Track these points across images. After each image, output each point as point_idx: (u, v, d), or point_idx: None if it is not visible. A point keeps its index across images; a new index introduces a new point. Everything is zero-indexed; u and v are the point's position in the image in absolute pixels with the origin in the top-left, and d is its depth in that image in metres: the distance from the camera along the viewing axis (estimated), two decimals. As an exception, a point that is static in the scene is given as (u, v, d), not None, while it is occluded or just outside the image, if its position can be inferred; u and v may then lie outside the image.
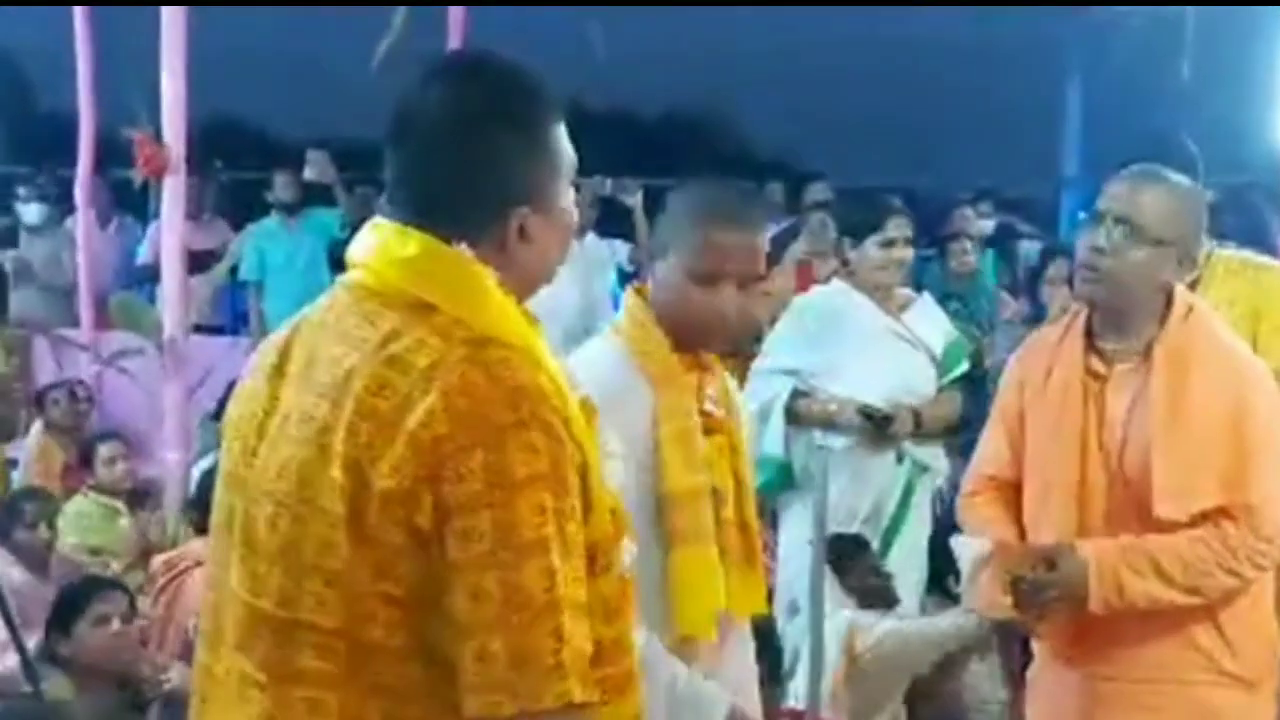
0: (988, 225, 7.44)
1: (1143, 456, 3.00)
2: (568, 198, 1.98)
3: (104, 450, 5.31)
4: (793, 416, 4.58)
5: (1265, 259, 3.85)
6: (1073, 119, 9.24)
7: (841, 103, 9.34)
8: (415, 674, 1.81)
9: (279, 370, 1.94)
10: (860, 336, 4.61)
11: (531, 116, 1.95)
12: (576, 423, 1.86)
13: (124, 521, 5.34)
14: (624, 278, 7.21)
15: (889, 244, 4.63)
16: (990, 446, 3.31)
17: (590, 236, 7.26)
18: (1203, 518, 2.96)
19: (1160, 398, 3.00)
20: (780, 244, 6.61)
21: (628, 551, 1.99)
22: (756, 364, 4.70)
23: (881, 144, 8.87)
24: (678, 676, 2.54)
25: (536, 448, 1.78)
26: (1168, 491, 2.96)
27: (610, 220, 7.64)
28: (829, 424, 4.53)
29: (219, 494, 1.98)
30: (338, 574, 1.80)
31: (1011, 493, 3.24)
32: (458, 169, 1.91)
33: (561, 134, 1.97)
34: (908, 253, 4.71)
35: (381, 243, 1.93)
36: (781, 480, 4.62)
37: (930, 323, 4.77)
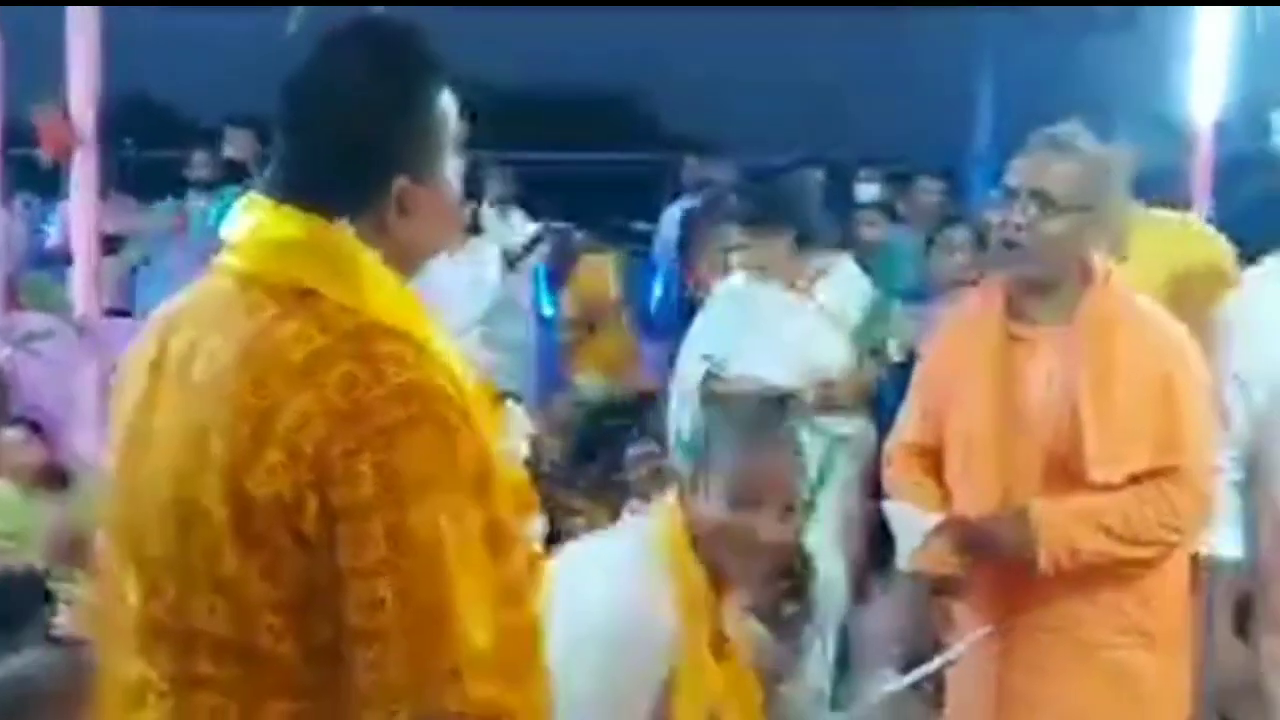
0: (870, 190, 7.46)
1: (1066, 420, 3.03)
2: (450, 169, 1.89)
3: (10, 434, 5.19)
4: (704, 399, 4.60)
5: (1183, 215, 3.90)
6: (985, 93, 9.31)
7: (751, 74, 9.36)
8: (309, 678, 1.76)
9: (157, 365, 1.86)
10: (763, 319, 4.65)
11: (409, 82, 1.86)
12: (473, 406, 1.79)
13: (39, 506, 5.23)
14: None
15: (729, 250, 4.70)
16: (911, 414, 3.33)
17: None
18: (1135, 480, 3.01)
19: (1087, 365, 3.04)
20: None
21: (533, 527, 1.95)
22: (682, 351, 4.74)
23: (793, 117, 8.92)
24: None
25: (429, 446, 1.72)
26: (1101, 457, 3.01)
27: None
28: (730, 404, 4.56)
29: (109, 497, 1.91)
30: (227, 581, 1.75)
31: (933, 459, 3.26)
32: (332, 139, 1.83)
33: (444, 102, 1.88)
34: (751, 256, 4.73)
35: (258, 223, 1.84)
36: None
37: (843, 291, 4.79)
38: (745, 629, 2.69)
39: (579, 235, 7.43)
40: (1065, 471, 3.05)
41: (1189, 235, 3.87)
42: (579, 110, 10.26)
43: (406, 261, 1.87)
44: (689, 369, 4.74)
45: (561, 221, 7.66)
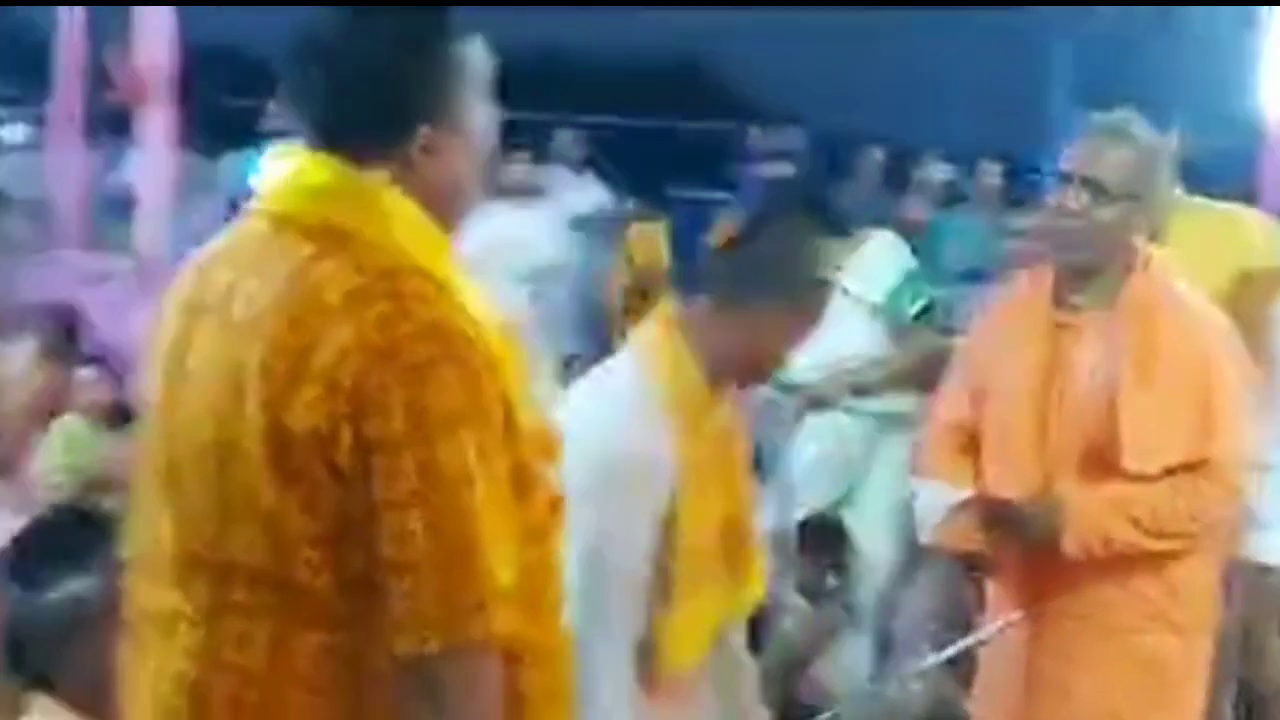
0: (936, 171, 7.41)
1: (1104, 409, 3.04)
2: (477, 117, 1.94)
3: (82, 373, 5.30)
4: None
5: (1231, 206, 3.88)
6: (1058, 79, 9.22)
7: (825, 48, 9.33)
8: (342, 610, 1.82)
9: (195, 304, 1.91)
10: None
11: (434, 29, 1.92)
12: (496, 349, 1.85)
13: (107, 442, 5.32)
14: None
15: None
16: (951, 395, 3.34)
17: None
18: (1169, 472, 3.02)
19: (1128, 353, 3.04)
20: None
21: (555, 470, 1.99)
22: None
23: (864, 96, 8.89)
24: None
25: (455, 383, 1.77)
26: (1136, 447, 3.01)
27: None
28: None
29: (147, 432, 1.96)
30: (265, 515, 1.80)
31: (969, 439, 3.27)
32: (359, 86, 1.88)
33: (471, 50, 1.94)
34: None
35: (294, 170, 1.90)
36: None
37: (871, 271, 4.75)
38: (737, 417, 2.66)
39: (631, 203, 7.45)
40: (1101, 460, 3.05)
41: (1251, 229, 3.84)
42: (651, 76, 10.27)
43: (436, 206, 1.91)
44: None
45: (628, 186, 7.68)
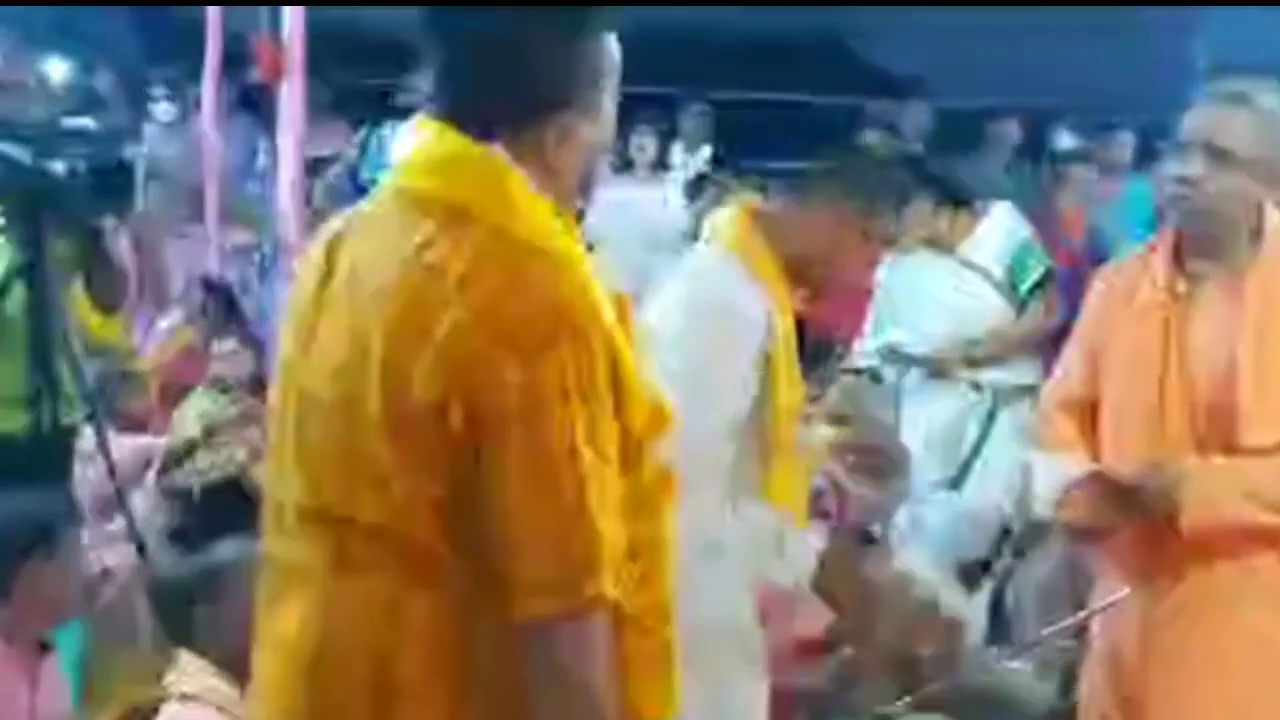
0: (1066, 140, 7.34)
1: (1225, 380, 2.99)
2: (610, 105, 2.00)
3: (220, 346, 5.45)
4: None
5: None
6: (1199, 45, 9.01)
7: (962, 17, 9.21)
8: (458, 570, 1.88)
9: (327, 271, 1.99)
10: (909, 283, 4.71)
11: (585, 19, 1.96)
12: (609, 324, 1.90)
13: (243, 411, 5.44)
14: None
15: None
16: (1068, 366, 3.31)
17: None
18: None
19: (1250, 321, 2.99)
20: None
21: (667, 443, 2.04)
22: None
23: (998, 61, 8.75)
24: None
25: (568, 360, 1.83)
26: (1256, 418, 2.95)
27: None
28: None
29: (277, 384, 2.05)
30: (385, 476, 1.87)
31: (1087, 414, 3.24)
32: (499, 67, 1.92)
33: (608, 40, 1.99)
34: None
35: (421, 143, 1.96)
36: None
37: (992, 241, 4.78)
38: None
39: (730, 177, 7.47)
40: (1220, 432, 3.00)
41: None
42: (789, 49, 10.22)
43: (560, 188, 1.97)
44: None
45: (751, 161, 7.69)
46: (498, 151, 1.92)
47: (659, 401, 2.01)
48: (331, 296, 1.96)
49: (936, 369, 4.70)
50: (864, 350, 4.91)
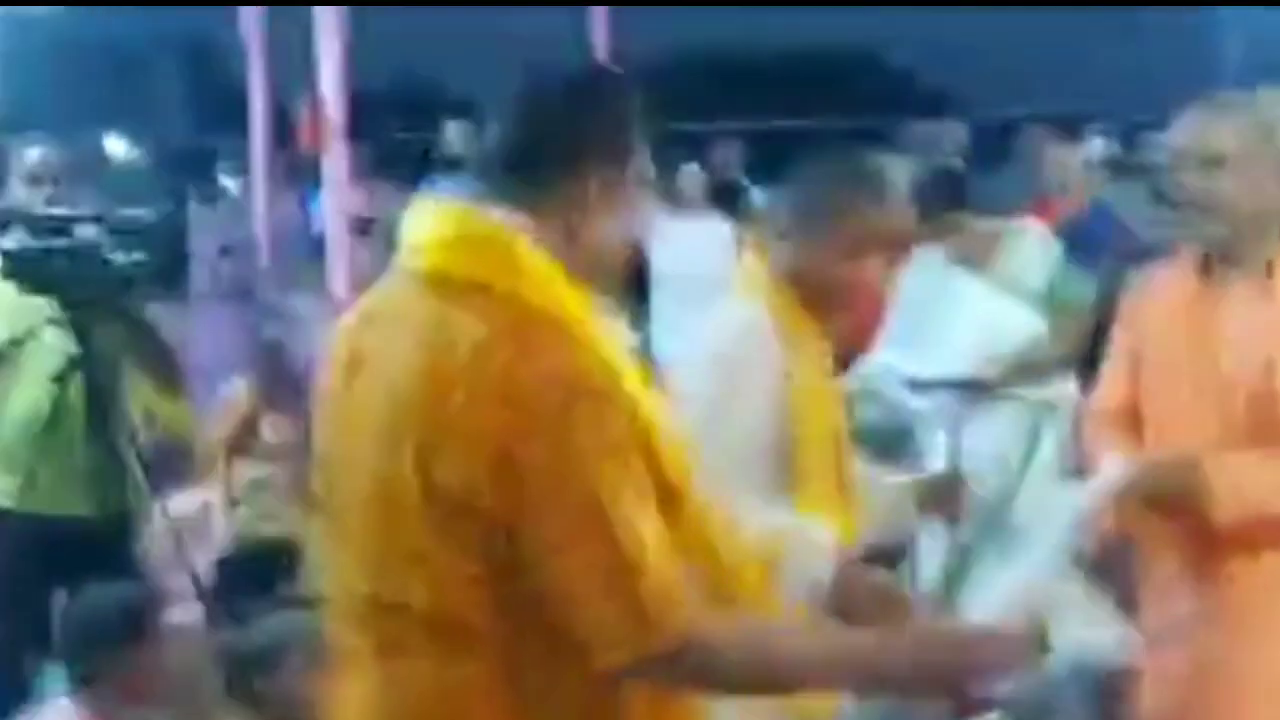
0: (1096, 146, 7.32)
1: (1263, 376, 3.00)
2: (636, 183, 2.06)
3: (268, 418, 5.53)
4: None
5: None
6: (1231, 49, 8.97)
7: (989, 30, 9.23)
8: (503, 641, 1.93)
9: (353, 360, 2.03)
10: (939, 304, 4.66)
11: (612, 95, 2.05)
12: (629, 385, 1.95)
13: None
14: None
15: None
16: (1109, 381, 3.32)
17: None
18: None
19: None
20: None
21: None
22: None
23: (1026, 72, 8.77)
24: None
25: (590, 420, 1.87)
26: None
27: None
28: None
29: (321, 475, 2.10)
30: (425, 559, 1.91)
31: (1131, 423, 3.24)
32: (533, 139, 2.00)
33: (634, 109, 2.06)
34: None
35: (427, 223, 2.02)
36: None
37: (1027, 258, 4.78)
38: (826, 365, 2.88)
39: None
40: (1262, 428, 3.01)
41: None
42: (824, 72, 10.27)
43: (585, 259, 2.01)
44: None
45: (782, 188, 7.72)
46: (513, 221, 1.97)
47: (684, 455, 2.06)
48: (357, 387, 2.01)
49: (977, 389, 4.69)
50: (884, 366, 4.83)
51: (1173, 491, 3.04)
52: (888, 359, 4.68)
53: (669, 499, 1.97)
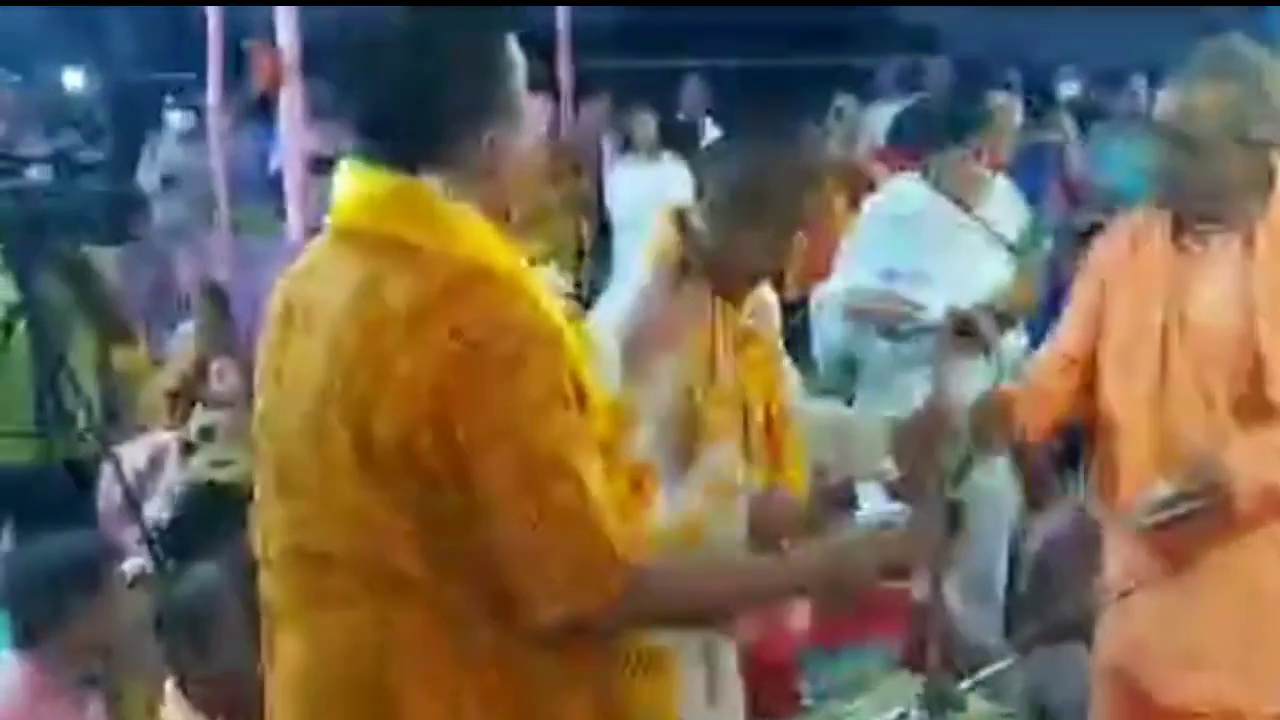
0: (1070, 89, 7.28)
1: (1236, 336, 2.96)
2: (528, 109, 2.02)
3: (215, 365, 5.46)
4: (865, 312, 4.58)
5: None
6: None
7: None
8: (440, 592, 1.92)
9: (287, 317, 2.01)
10: (939, 239, 4.57)
11: (482, 32, 1.98)
12: (566, 336, 1.93)
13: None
14: None
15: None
16: (1067, 328, 3.27)
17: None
18: None
19: (1261, 280, 2.95)
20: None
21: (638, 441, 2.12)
22: (840, 266, 4.70)
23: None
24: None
25: (537, 373, 1.86)
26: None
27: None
28: (902, 324, 4.53)
29: (256, 431, 2.09)
30: (360, 511, 1.90)
31: (1077, 375, 3.20)
32: (419, 96, 1.93)
33: (513, 45, 2.00)
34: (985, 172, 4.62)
35: (354, 185, 1.98)
36: (838, 376, 4.67)
37: (1006, 209, 4.71)
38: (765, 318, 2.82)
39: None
40: (1228, 390, 2.97)
41: None
42: (795, 12, 10.16)
43: (498, 206, 2.00)
44: (856, 275, 4.68)
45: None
46: (427, 181, 1.94)
47: (615, 403, 2.07)
48: (293, 343, 1.99)
49: (965, 328, 4.61)
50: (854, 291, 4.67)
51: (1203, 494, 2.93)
52: (869, 281, 4.59)
53: (605, 454, 1.96)
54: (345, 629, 1.95)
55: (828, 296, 4.64)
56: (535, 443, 1.85)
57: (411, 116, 1.94)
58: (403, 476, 1.87)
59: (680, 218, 2.72)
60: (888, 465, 2.77)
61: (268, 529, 2.05)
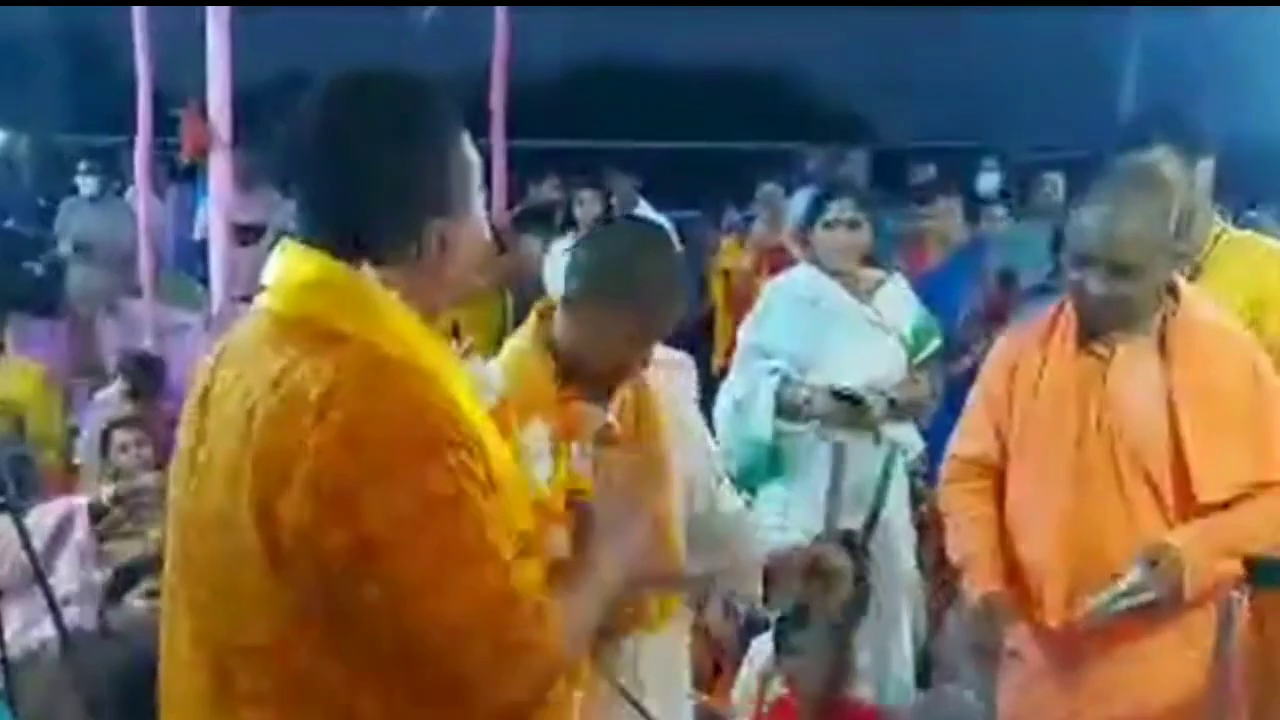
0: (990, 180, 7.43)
1: (1153, 439, 3.01)
2: (479, 204, 2.01)
3: (119, 436, 5.27)
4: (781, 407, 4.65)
5: (1273, 243, 3.78)
6: (1128, 76, 9.10)
7: (898, 59, 9.30)
8: (359, 705, 1.86)
9: (204, 401, 1.97)
10: (834, 324, 4.68)
11: (434, 126, 1.96)
12: (482, 431, 1.91)
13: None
14: None
15: (829, 226, 4.67)
16: (973, 431, 3.29)
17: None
18: (1240, 496, 2.99)
19: (1182, 384, 3.01)
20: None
21: (556, 538, 2.09)
22: (740, 349, 4.75)
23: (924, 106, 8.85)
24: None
25: (451, 465, 1.82)
26: (1209, 475, 2.98)
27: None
28: (803, 410, 4.58)
29: (169, 518, 2.03)
30: (265, 603, 1.85)
31: (993, 479, 3.24)
32: (369, 188, 1.91)
33: (466, 140, 1.99)
34: (856, 237, 4.71)
35: (286, 266, 1.95)
36: (766, 466, 4.69)
37: (899, 305, 4.81)
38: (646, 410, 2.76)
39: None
40: (1147, 490, 3.02)
41: (1270, 260, 3.71)
42: (721, 92, 10.28)
43: (447, 295, 1.99)
44: (751, 361, 4.73)
45: (682, 209, 7.72)
46: (365, 270, 1.91)
47: (545, 500, 2.03)
48: (209, 426, 1.94)
49: (856, 418, 4.65)
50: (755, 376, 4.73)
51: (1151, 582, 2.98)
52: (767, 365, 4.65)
53: (525, 548, 1.93)
54: None
55: (757, 385, 4.65)
56: (454, 530, 1.82)
57: (359, 204, 1.92)
58: (309, 568, 1.81)
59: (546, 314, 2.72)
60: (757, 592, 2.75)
61: (173, 619, 1.99)
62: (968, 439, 3.32)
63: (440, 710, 1.87)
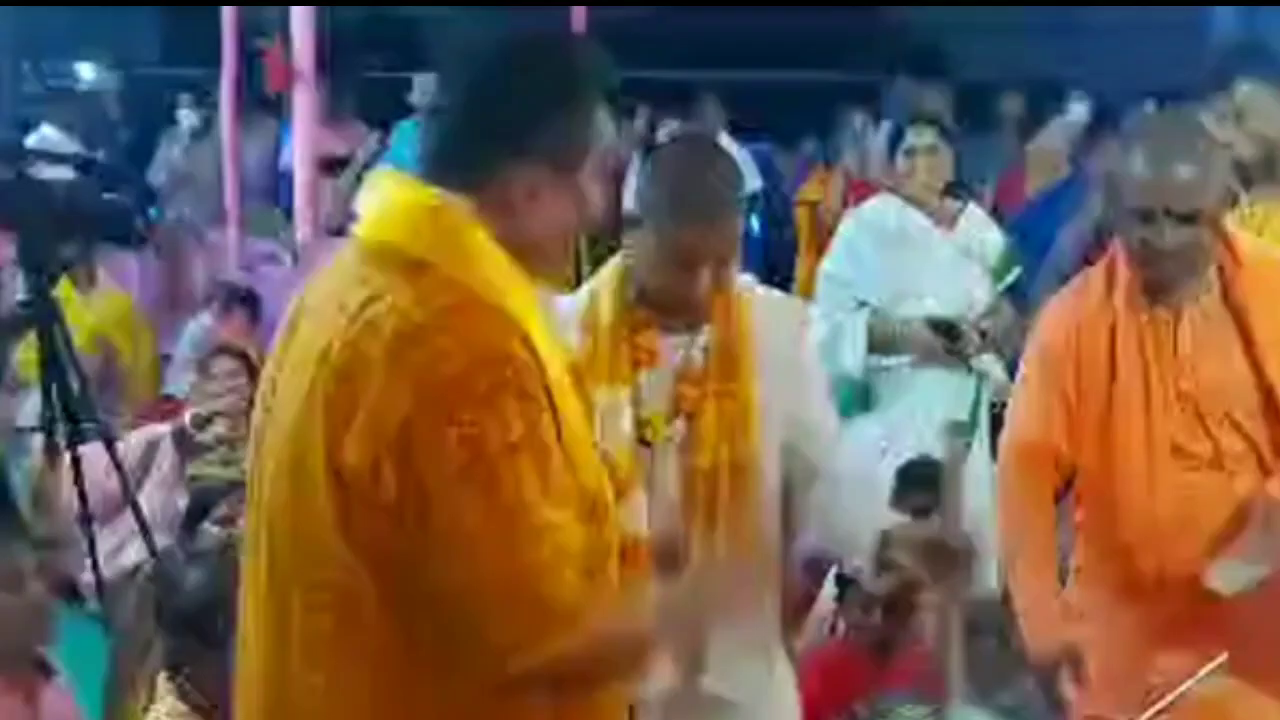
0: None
1: (1242, 394, 2.95)
2: (591, 184, 1.94)
3: (215, 365, 5.31)
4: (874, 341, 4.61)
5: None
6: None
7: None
8: (400, 641, 1.84)
9: (293, 326, 1.96)
10: (919, 253, 4.63)
11: (571, 80, 1.93)
12: (558, 381, 1.87)
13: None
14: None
15: (909, 154, 4.63)
16: (1038, 410, 3.11)
17: None
18: None
19: (1261, 330, 2.94)
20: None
21: (628, 509, 2.03)
22: (822, 283, 4.72)
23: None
24: None
25: (512, 413, 1.79)
26: None
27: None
28: (896, 343, 4.55)
29: (250, 446, 2.01)
30: (327, 541, 1.82)
31: (1055, 465, 3.09)
32: (478, 117, 1.90)
33: (603, 115, 1.94)
34: (936, 164, 4.65)
35: (381, 194, 1.94)
36: (856, 401, 4.63)
37: (981, 233, 4.75)
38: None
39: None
40: (1252, 444, 2.95)
41: None
42: (801, 27, 10.22)
43: (525, 245, 1.90)
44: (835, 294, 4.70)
45: (767, 142, 7.67)
46: (459, 202, 1.88)
47: (617, 460, 1.99)
48: (290, 356, 1.93)
49: (951, 349, 4.61)
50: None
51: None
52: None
53: (590, 509, 1.88)
54: (304, 659, 1.87)
55: (843, 321, 4.62)
56: (501, 485, 1.77)
57: (466, 130, 1.90)
58: (364, 508, 1.79)
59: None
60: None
61: (253, 553, 1.96)
62: (1033, 418, 3.12)
63: (471, 664, 1.83)
